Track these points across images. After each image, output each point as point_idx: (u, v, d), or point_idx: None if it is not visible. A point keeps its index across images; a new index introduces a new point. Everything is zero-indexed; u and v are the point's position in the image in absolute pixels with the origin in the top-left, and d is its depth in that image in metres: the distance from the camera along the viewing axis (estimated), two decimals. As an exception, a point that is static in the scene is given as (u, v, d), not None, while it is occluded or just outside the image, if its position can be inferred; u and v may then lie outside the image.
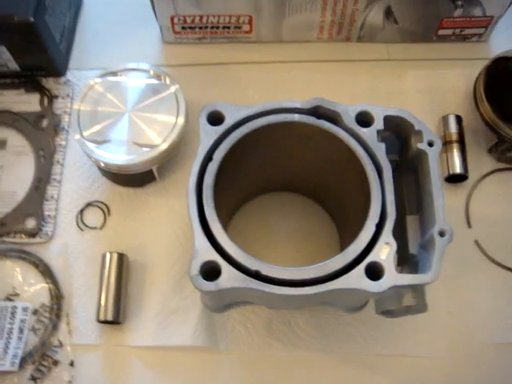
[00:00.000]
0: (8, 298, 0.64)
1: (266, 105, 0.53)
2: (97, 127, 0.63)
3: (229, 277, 0.46)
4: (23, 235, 0.66)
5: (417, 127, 0.51)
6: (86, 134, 0.63)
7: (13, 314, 0.62)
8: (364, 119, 0.52)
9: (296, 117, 0.52)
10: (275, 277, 0.46)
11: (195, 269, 0.46)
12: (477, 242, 0.66)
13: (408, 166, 0.54)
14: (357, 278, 0.46)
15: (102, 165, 0.63)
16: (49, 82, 0.74)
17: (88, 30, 0.79)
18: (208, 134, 0.51)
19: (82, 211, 0.68)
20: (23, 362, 0.61)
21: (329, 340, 0.62)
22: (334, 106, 0.52)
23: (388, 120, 0.52)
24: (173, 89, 0.65)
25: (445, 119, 0.70)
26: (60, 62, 0.74)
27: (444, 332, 0.62)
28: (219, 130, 0.52)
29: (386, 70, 0.75)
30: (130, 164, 0.62)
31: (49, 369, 0.61)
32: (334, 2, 0.69)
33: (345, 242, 0.62)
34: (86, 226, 0.67)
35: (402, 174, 0.54)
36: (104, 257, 0.63)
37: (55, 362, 0.61)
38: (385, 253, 0.47)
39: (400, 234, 0.52)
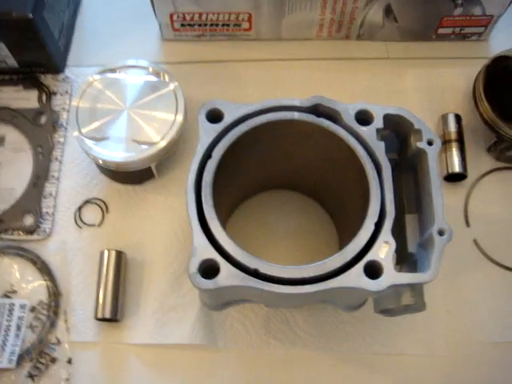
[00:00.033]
0: (6, 295, 0.63)
1: (266, 103, 0.52)
2: (95, 124, 0.63)
3: (227, 275, 0.46)
4: (21, 232, 0.66)
5: (416, 126, 0.51)
6: (84, 130, 0.63)
7: (10, 311, 0.62)
8: (363, 118, 0.52)
9: (295, 115, 0.52)
10: (274, 275, 0.46)
11: (194, 267, 0.46)
12: (475, 241, 0.66)
13: (407, 165, 0.54)
14: (356, 277, 0.46)
15: (101, 162, 0.63)
16: (47, 79, 0.74)
17: (87, 26, 0.79)
18: (207, 132, 0.51)
19: (80, 208, 0.68)
20: (21, 360, 0.60)
21: (327, 338, 0.62)
22: (333, 104, 0.52)
23: (387, 118, 0.52)
24: (172, 86, 0.65)
25: (444, 118, 0.70)
26: (58, 58, 0.74)
27: (442, 331, 0.62)
28: (218, 127, 0.51)
29: (386, 69, 0.75)
30: (128, 161, 0.62)
31: (46, 366, 0.61)
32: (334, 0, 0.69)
33: (344, 240, 0.62)
34: (84, 223, 0.67)
35: (401, 173, 0.54)
36: (102, 254, 0.63)
37: (53, 360, 0.61)
38: (384, 251, 0.47)
39: (399, 232, 0.52)
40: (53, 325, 0.62)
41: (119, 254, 0.63)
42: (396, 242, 0.47)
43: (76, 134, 0.63)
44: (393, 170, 0.50)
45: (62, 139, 0.71)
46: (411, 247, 0.52)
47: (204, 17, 0.72)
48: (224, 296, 0.56)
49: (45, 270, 0.64)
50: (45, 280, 0.64)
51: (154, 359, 0.62)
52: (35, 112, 0.71)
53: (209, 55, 0.76)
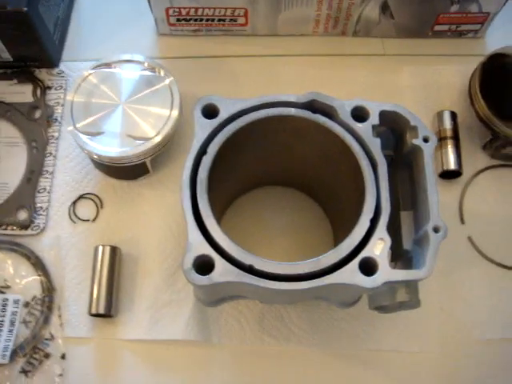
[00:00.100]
0: (-1, 291, 0.63)
1: (262, 98, 0.52)
2: (90, 119, 0.63)
3: (222, 271, 0.46)
4: (15, 227, 0.65)
5: (412, 123, 0.51)
6: (79, 125, 0.62)
7: (4, 306, 0.62)
8: (359, 114, 0.52)
9: (291, 111, 0.52)
10: (269, 271, 0.46)
11: (188, 262, 0.46)
12: (470, 239, 0.66)
13: (403, 162, 0.54)
14: (350, 274, 0.46)
15: (95, 157, 0.62)
16: (42, 73, 0.73)
17: (82, 20, 0.78)
18: (202, 127, 0.51)
19: (74, 203, 0.67)
20: (14, 355, 0.60)
21: (321, 335, 0.62)
22: (329, 100, 0.52)
23: (383, 115, 0.52)
24: (167, 81, 0.65)
25: (439, 115, 0.70)
26: (53, 52, 0.73)
27: (436, 328, 0.62)
28: (214, 123, 0.51)
29: (382, 65, 0.75)
30: (123, 156, 0.62)
31: (40, 362, 0.61)
32: (331, -5, 0.69)
33: (338, 237, 0.62)
34: (79, 218, 0.67)
35: (396, 170, 0.54)
36: (96, 250, 0.63)
37: (46, 355, 0.61)
38: (379, 248, 0.47)
39: (394, 229, 0.52)
40: (46, 320, 0.62)
41: (113, 250, 0.63)
42: (391, 238, 0.47)
43: (71, 128, 0.62)
44: (388, 166, 0.50)
45: (56, 134, 0.70)
46: (406, 244, 0.52)
47: (200, 12, 0.72)
48: (218, 292, 0.56)
49: (39, 265, 0.64)
50: (39, 275, 0.64)
51: (148, 355, 0.61)
52: (29, 106, 0.71)
53: (204, 50, 0.75)
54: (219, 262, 0.46)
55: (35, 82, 0.72)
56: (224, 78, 0.73)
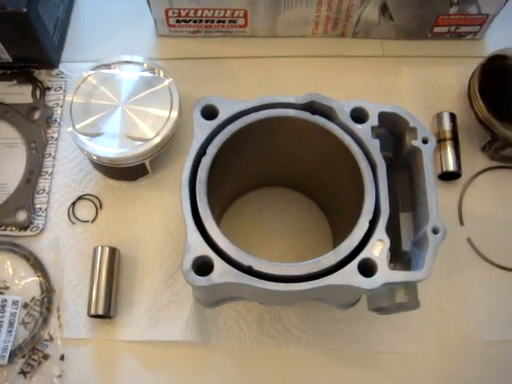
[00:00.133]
0: (-2, 291, 0.63)
1: (261, 99, 0.52)
2: (89, 120, 0.63)
3: (221, 272, 0.46)
4: (14, 228, 0.65)
5: (411, 124, 0.51)
6: (78, 126, 0.62)
7: (3, 307, 0.62)
8: (359, 115, 0.52)
9: (291, 112, 0.52)
10: (268, 272, 0.46)
11: (187, 263, 0.46)
12: (469, 240, 0.66)
13: (402, 163, 0.54)
14: (350, 275, 0.46)
15: (95, 158, 0.62)
16: (41, 74, 0.73)
17: (82, 22, 0.78)
18: (202, 129, 0.51)
19: (73, 204, 0.67)
20: (13, 356, 0.60)
21: (320, 336, 0.62)
22: (328, 101, 0.52)
23: (383, 116, 0.52)
24: (166, 82, 0.65)
25: (439, 117, 0.70)
26: (53, 53, 0.73)
27: (436, 329, 0.62)
28: (213, 124, 0.51)
29: (381, 67, 0.75)
30: (122, 157, 0.62)
31: (39, 363, 0.61)
32: (330, -3, 0.69)
33: (338, 238, 0.62)
34: (78, 219, 0.67)
35: (395, 171, 0.54)
36: (95, 251, 0.63)
37: (45, 356, 0.61)
38: (378, 249, 0.47)
39: (393, 231, 0.52)
40: (45, 321, 0.62)
41: (112, 251, 0.63)
42: (390, 240, 0.47)
43: (70, 129, 0.62)
44: (387, 168, 0.50)
45: (55, 135, 0.70)
46: (405, 245, 0.52)
47: (199, 13, 0.72)
48: (217, 293, 0.56)
49: (38, 266, 0.64)
50: (38, 276, 0.64)
51: (147, 356, 0.61)
52: (29, 107, 0.71)
53: (204, 51, 0.75)
54: (218, 263, 0.46)
55: (35, 82, 0.72)
56: (223, 79, 0.73)
